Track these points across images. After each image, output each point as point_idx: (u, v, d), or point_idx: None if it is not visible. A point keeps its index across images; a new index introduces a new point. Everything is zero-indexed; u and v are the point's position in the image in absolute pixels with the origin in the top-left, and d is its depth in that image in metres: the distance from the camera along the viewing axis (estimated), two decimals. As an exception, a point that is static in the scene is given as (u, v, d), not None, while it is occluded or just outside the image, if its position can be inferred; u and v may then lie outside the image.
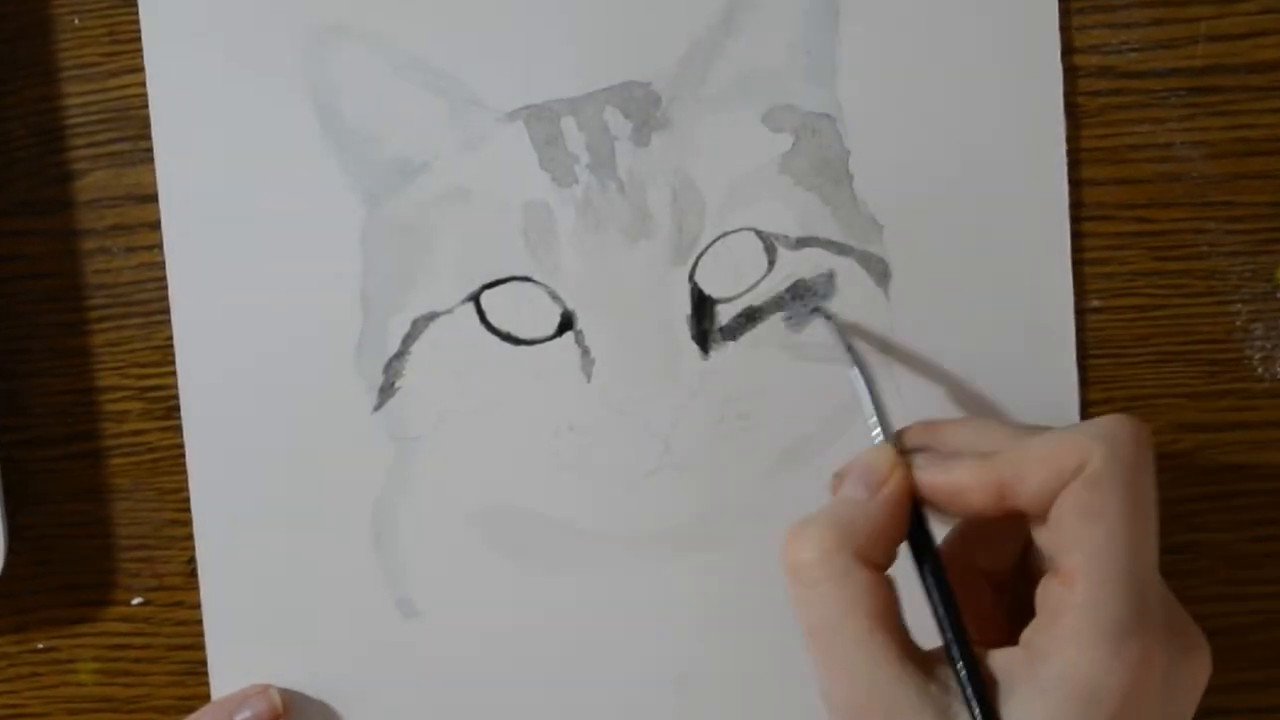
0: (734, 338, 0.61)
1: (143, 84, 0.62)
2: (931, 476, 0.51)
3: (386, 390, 0.62)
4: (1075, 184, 0.61)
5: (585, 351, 0.61)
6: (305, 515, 0.63)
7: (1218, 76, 0.61)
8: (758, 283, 0.61)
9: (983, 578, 0.55)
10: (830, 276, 0.61)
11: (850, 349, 0.57)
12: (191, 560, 0.63)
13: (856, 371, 0.55)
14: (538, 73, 0.61)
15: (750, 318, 0.61)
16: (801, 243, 0.61)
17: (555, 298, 0.61)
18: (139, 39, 0.62)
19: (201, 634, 0.64)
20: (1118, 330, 0.61)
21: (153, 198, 0.62)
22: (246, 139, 0.62)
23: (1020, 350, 0.61)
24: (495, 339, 0.61)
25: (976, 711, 0.47)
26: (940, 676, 0.48)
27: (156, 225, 0.62)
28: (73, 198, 0.64)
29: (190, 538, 0.63)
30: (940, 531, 0.53)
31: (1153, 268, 0.61)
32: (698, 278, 0.61)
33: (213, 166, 0.62)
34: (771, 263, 0.61)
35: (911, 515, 0.51)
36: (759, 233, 0.61)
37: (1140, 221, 0.61)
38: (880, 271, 0.61)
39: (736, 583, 0.62)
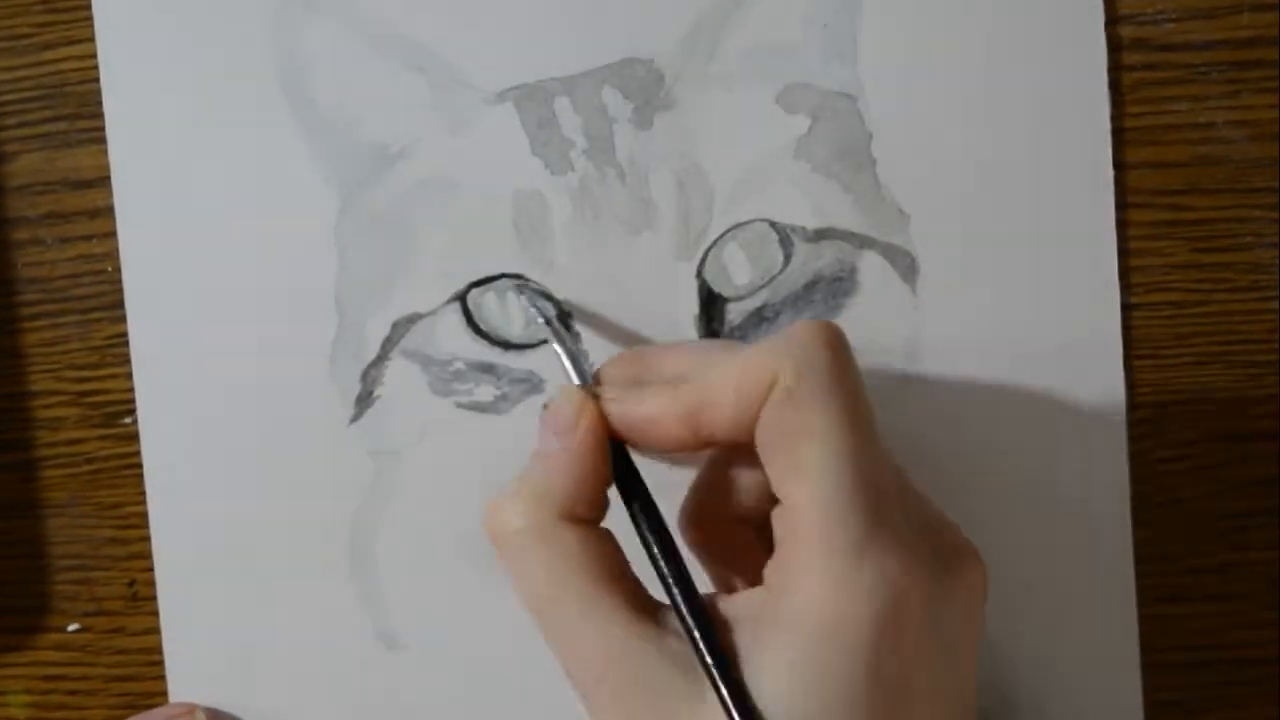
0: (746, 340, 0.58)
1: (79, 58, 0.60)
2: (622, 410, 0.49)
3: (364, 400, 0.60)
4: (1109, 168, 0.60)
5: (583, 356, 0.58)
6: (275, 537, 0.60)
7: (1264, 49, 0.58)
8: (772, 279, 0.58)
9: (740, 520, 0.52)
10: (852, 271, 0.58)
11: (520, 288, 0.58)
12: (133, 583, 0.61)
13: (546, 313, 0.56)
14: (529, 49, 0.59)
15: (764, 318, 0.59)
16: (820, 235, 0.58)
17: (549, 297, 0.58)
18: (77, 9, 0.60)
19: (144, 664, 0.62)
20: (1153, 329, 0.59)
21: (91, 183, 0.61)
22: (207, 124, 0.60)
23: (1061, 351, 0.59)
24: (483, 343, 0.59)
25: (711, 666, 0.45)
26: (680, 629, 0.47)
27: (95, 214, 0.61)
28: (1, 183, 0.61)
29: (132, 558, 0.61)
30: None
31: (1191, 260, 0.59)
32: (706, 274, 0.58)
33: (170, 154, 0.60)
34: (787, 257, 0.58)
35: (616, 456, 0.49)
36: (773, 224, 0.58)
37: (1178, 209, 0.59)
38: (907, 265, 0.58)
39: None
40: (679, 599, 0.46)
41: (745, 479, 0.51)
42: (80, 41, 0.60)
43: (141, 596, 0.61)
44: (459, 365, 0.59)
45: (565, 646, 0.47)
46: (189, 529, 0.60)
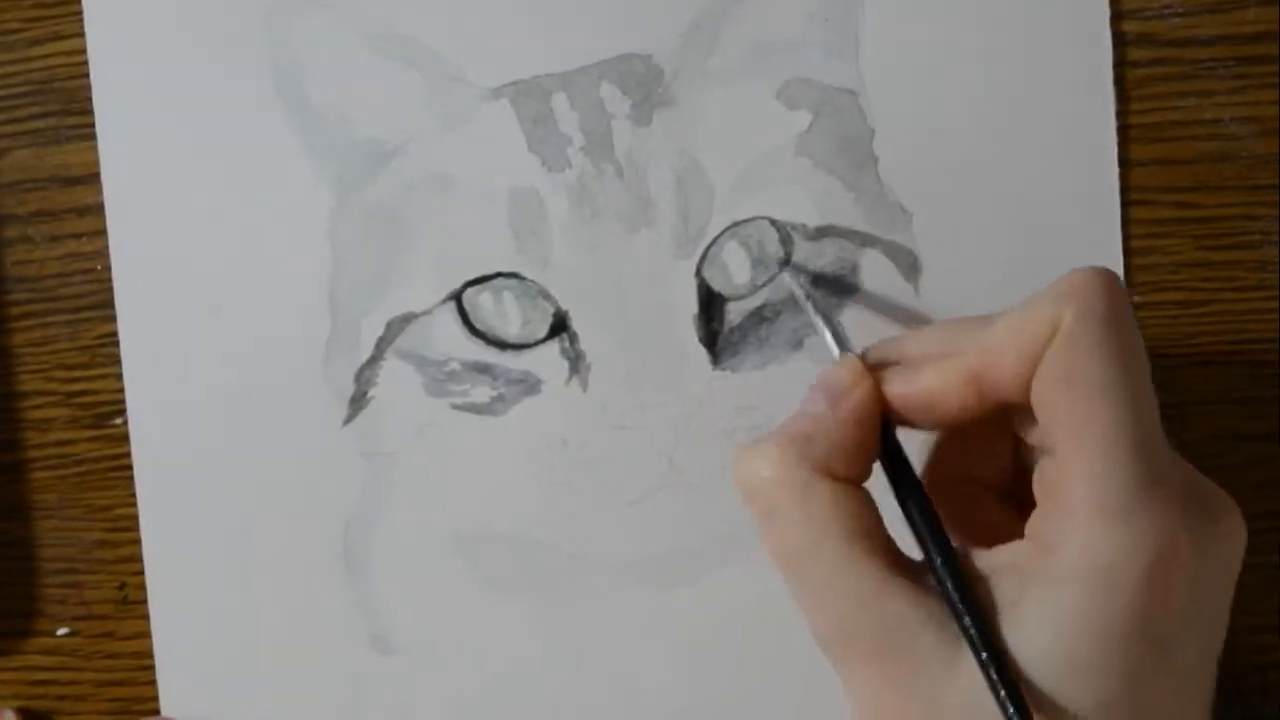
0: (746, 340, 0.58)
1: (69, 53, 0.60)
2: (901, 387, 0.48)
3: (358, 401, 0.59)
4: (1114, 165, 0.59)
5: (580, 356, 0.58)
6: (268, 540, 0.60)
7: (1269, 44, 0.58)
8: (773, 278, 0.58)
9: (982, 488, 0.52)
10: (854, 269, 0.58)
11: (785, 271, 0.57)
12: (124, 586, 0.61)
13: (804, 295, 0.55)
14: (525, 44, 0.58)
15: (764, 317, 0.58)
16: (821, 233, 0.58)
17: (546, 296, 0.58)
18: (66, 3, 0.60)
19: (134, 669, 0.61)
20: (1159, 328, 0.58)
21: (80, 180, 0.60)
22: (198, 120, 0.59)
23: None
24: (480, 343, 0.58)
25: (967, 620, 0.45)
26: (936, 587, 0.47)
27: (84, 212, 0.60)
28: (-12, 180, 0.61)
29: (122, 561, 0.61)
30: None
31: (1198, 258, 0.58)
32: (705, 273, 0.58)
33: (160, 150, 0.60)
34: (788, 255, 0.58)
35: (882, 433, 0.49)
36: (774, 222, 0.58)
37: (1184, 207, 0.58)
38: (909, 264, 0.58)
39: (749, 613, 0.59)
40: (933, 553, 0.46)
41: (985, 446, 0.51)
42: (69, 37, 0.59)
43: (132, 600, 0.60)
44: (454, 365, 0.58)
45: (815, 603, 0.47)
46: (180, 531, 0.60)
